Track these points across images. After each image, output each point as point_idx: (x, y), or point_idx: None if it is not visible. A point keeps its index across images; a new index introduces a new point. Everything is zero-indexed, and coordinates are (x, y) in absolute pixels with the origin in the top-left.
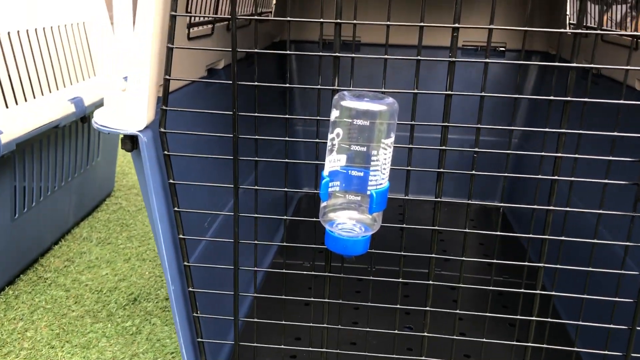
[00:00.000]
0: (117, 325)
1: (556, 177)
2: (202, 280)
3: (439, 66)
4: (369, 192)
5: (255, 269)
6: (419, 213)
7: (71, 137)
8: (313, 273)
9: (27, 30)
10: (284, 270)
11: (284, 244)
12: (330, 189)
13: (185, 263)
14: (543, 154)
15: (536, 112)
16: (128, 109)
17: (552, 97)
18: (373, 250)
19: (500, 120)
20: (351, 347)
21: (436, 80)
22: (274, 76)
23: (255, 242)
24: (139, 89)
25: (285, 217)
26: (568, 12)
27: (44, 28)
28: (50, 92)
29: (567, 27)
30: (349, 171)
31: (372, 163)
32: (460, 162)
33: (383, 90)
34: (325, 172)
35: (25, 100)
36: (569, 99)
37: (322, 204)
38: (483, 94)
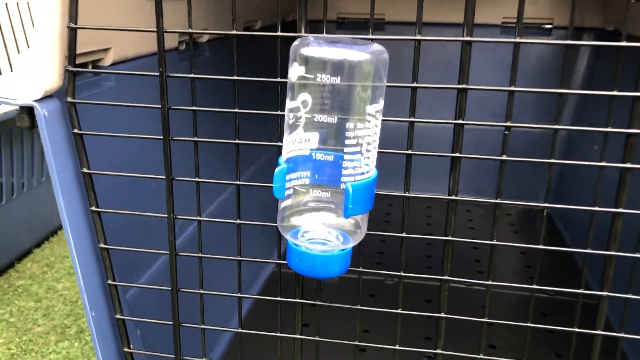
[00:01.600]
0: (84, 345)
1: (628, 165)
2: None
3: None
4: (343, 186)
5: (198, 290)
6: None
7: None
8: (279, 299)
9: None
10: (239, 295)
11: (226, 256)
12: (292, 182)
13: (110, 282)
14: (608, 129)
15: (587, 102)
16: (22, 71)
17: (624, 43)
18: (361, 269)
19: (546, 113)
20: None
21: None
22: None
23: (200, 254)
24: (36, 43)
25: (239, 222)
26: None
27: None
28: None
29: None
30: (314, 154)
31: (346, 142)
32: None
33: (371, 37)
34: (283, 158)
35: None
36: None
37: (281, 205)
38: (518, 39)
